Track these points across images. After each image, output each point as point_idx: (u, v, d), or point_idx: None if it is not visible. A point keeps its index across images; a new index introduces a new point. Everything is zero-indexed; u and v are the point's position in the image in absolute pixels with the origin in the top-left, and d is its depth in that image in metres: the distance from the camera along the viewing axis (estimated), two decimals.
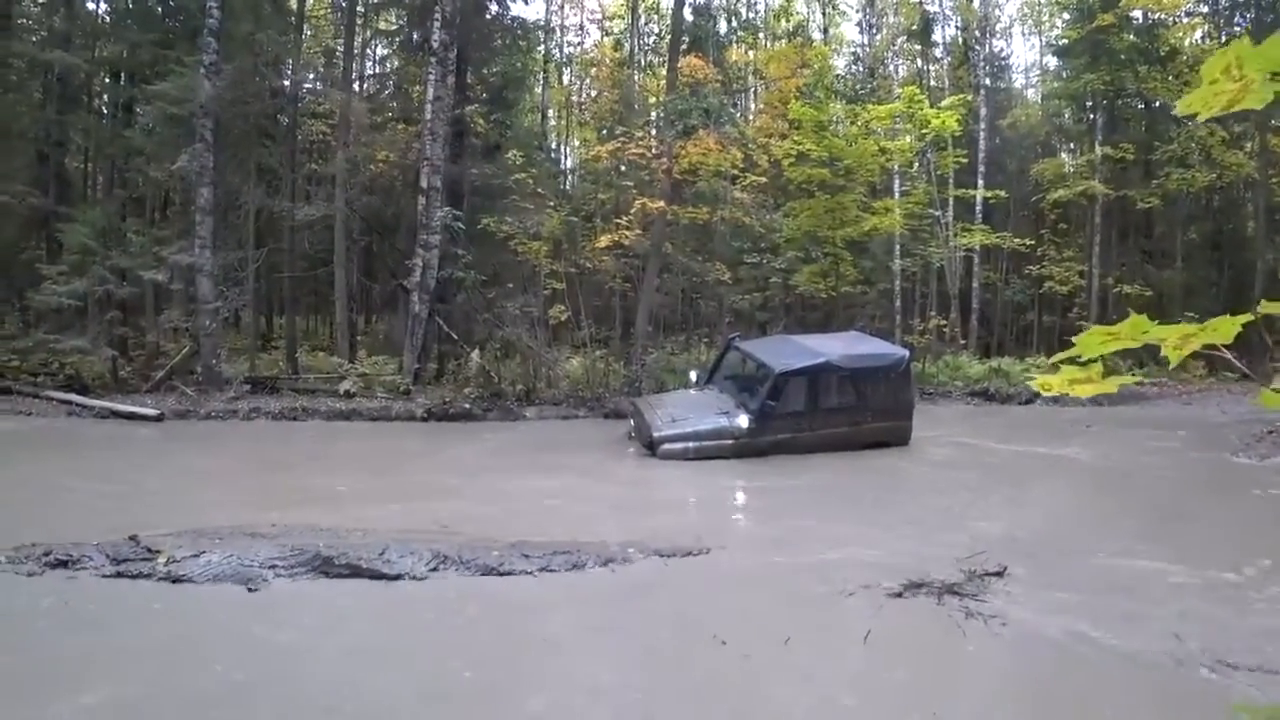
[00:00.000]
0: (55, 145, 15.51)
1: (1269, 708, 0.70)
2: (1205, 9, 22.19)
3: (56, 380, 12.45)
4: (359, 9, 17.18)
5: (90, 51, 15.86)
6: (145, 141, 14.90)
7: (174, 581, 4.81)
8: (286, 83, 15.96)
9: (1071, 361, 0.65)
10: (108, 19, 16.77)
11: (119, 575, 4.86)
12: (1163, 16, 21.46)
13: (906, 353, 10.88)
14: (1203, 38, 22.32)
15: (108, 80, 16.88)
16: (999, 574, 5.36)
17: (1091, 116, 22.61)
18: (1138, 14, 21.25)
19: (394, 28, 19.40)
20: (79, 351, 12.59)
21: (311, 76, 18.76)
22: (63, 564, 4.97)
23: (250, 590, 4.75)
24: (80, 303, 13.13)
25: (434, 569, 5.08)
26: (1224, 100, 0.66)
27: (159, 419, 11.01)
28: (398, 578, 4.96)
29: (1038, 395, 13.36)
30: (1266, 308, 0.61)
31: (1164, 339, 0.64)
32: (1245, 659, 4.06)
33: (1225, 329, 0.62)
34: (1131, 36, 20.55)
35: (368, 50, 21.01)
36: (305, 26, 18.35)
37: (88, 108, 16.70)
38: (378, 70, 21.47)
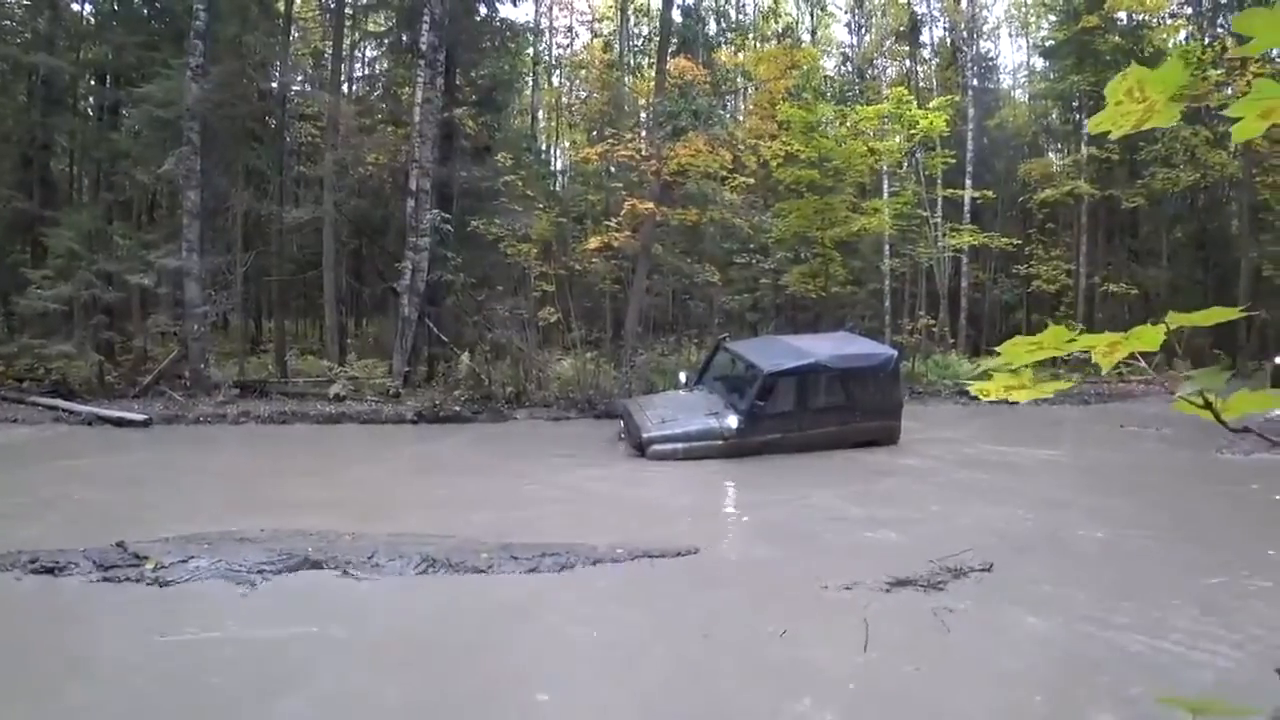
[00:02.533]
0: (40, 148, 15.40)
1: (1194, 700, 0.72)
2: (1189, 11, 22.43)
3: (42, 385, 12.35)
4: (347, 11, 17.14)
5: (75, 54, 15.73)
6: (131, 144, 14.81)
7: (161, 587, 4.79)
8: (274, 85, 15.89)
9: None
10: (92, 21, 16.65)
11: (106, 582, 4.84)
12: (1147, 18, 21.70)
13: (895, 353, 10.94)
14: (1186, 39, 22.55)
15: (93, 83, 16.76)
16: (986, 570, 5.42)
17: (1078, 117, 22.82)
18: (1122, 16, 21.48)
19: (383, 30, 19.34)
20: (65, 356, 12.50)
21: (300, 78, 18.67)
22: (49, 571, 4.94)
23: (239, 595, 4.74)
24: (66, 307, 13.04)
25: (423, 572, 5.09)
26: (1132, 120, 0.69)
27: (147, 424, 10.93)
28: (386, 581, 4.96)
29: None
30: (1175, 319, 0.64)
31: (1092, 347, 0.67)
32: (1231, 651, 4.12)
33: (1150, 337, 0.64)
34: (1116, 38, 20.76)
35: (356, 52, 20.97)
36: (293, 28, 18.27)
37: (73, 110, 16.57)
38: (366, 72, 21.42)
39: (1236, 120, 0.71)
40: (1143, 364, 0.65)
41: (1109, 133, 0.71)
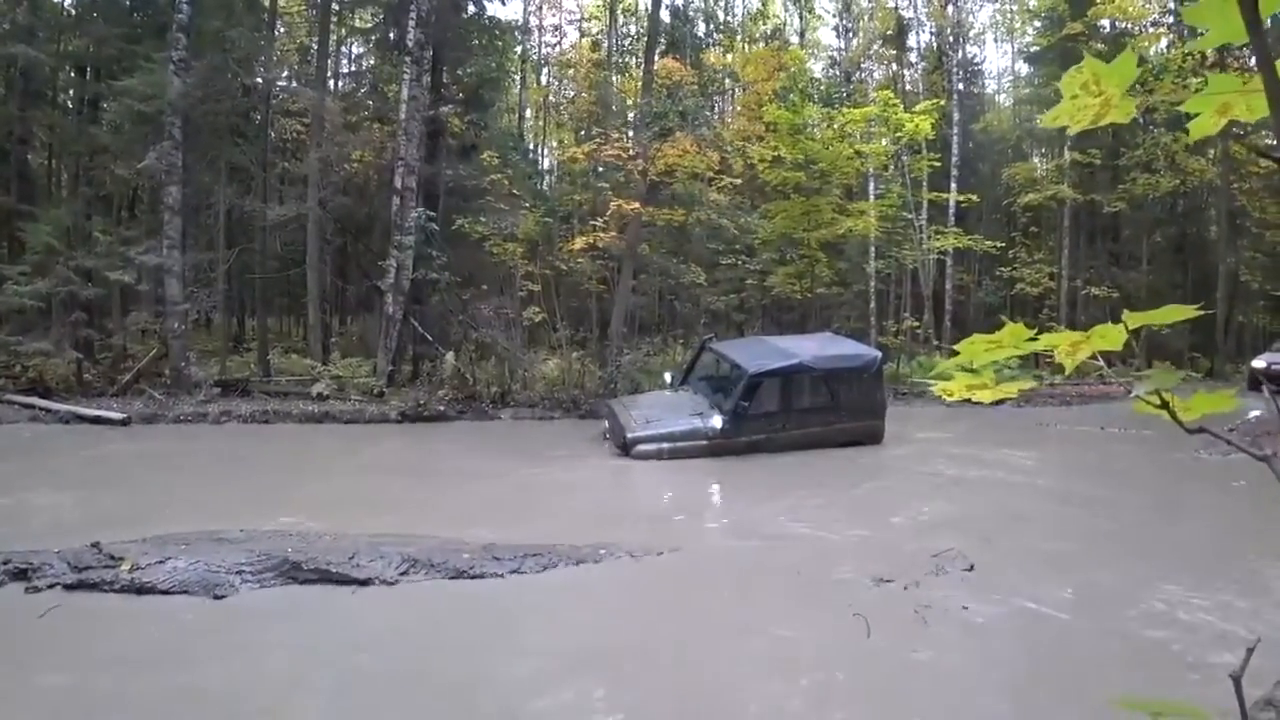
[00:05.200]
0: (18, 142, 15.14)
1: (1153, 701, 0.72)
2: (1170, 19, 22.75)
3: (19, 384, 12.13)
4: (333, 6, 16.99)
5: (55, 45, 15.48)
6: (112, 139, 14.59)
7: (138, 590, 4.71)
8: (258, 80, 15.72)
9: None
10: (73, 13, 16.40)
11: (80, 584, 4.74)
12: (1130, 26, 22.00)
13: (879, 354, 11.02)
14: (1168, 46, 22.88)
15: (73, 75, 16.51)
16: (968, 570, 5.46)
17: None
18: (1106, 23, 21.76)
19: (369, 26, 19.21)
20: (42, 354, 12.29)
21: (284, 74, 18.54)
22: (22, 573, 4.85)
23: (216, 597, 4.68)
24: (43, 304, 12.81)
25: (404, 573, 5.04)
26: (1090, 115, 0.69)
27: (125, 423, 10.78)
28: (367, 582, 4.92)
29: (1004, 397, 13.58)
30: (1132, 318, 0.64)
31: (1054, 346, 0.67)
32: (1211, 647, 4.17)
33: (1112, 336, 0.65)
34: (1100, 45, 21.01)
35: (342, 48, 20.83)
36: (278, 23, 18.11)
37: (52, 103, 16.31)
38: (352, 69, 21.28)
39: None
40: (1101, 364, 0.65)
41: (1065, 129, 0.71)
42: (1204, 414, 0.62)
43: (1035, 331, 0.68)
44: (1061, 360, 0.68)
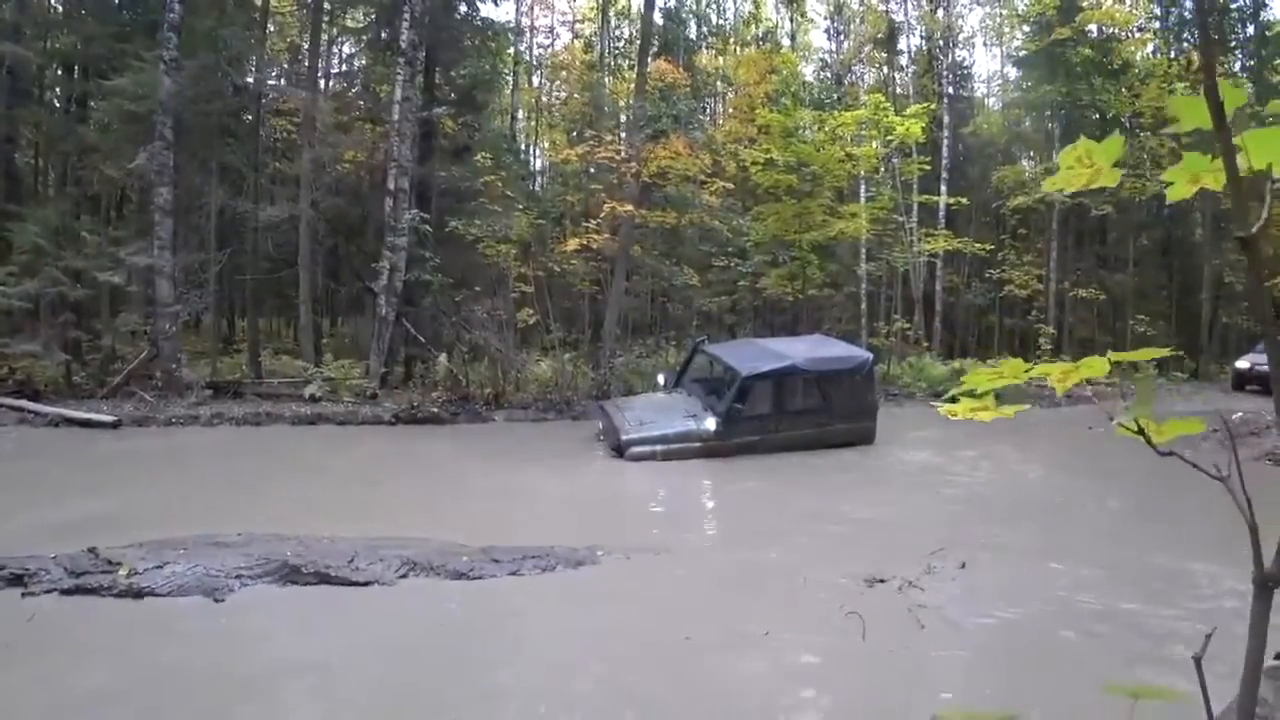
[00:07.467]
0: (5, 141, 14.99)
1: (1138, 687, 0.79)
2: (1156, 25, 23.06)
3: (7, 386, 12.05)
4: (325, 6, 16.94)
5: (42, 43, 15.36)
6: (100, 138, 14.49)
7: (136, 594, 4.72)
8: (250, 80, 15.66)
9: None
10: (61, 9, 16.29)
11: (77, 589, 4.75)
12: (1117, 31, 22.26)
13: (870, 355, 11.14)
14: (1153, 52, 23.19)
15: (61, 73, 16.38)
16: (960, 568, 5.56)
17: (1050, 126, 23.33)
18: (1094, 28, 22.00)
19: (361, 26, 19.17)
20: (31, 356, 12.19)
21: (276, 74, 18.48)
22: (18, 579, 4.85)
23: (216, 601, 4.70)
24: (31, 305, 12.71)
25: (403, 575, 5.08)
26: (1083, 180, 0.79)
27: (116, 425, 10.72)
28: (367, 585, 4.95)
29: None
30: (1115, 357, 0.72)
31: (1048, 374, 0.76)
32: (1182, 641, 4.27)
33: (1097, 366, 0.73)
34: (1087, 50, 21.25)
35: (334, 48, 20.74)
36: (269, 22, 18.04)
37: (39, 101, 16.17)
38: (344, 69, 21.17)
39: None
40: (1090, 393, 0.72)
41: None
42: (1174, 437, 0.70)
43: (1031, 367, 0.75)
44: (1054, 387, 0.77)
